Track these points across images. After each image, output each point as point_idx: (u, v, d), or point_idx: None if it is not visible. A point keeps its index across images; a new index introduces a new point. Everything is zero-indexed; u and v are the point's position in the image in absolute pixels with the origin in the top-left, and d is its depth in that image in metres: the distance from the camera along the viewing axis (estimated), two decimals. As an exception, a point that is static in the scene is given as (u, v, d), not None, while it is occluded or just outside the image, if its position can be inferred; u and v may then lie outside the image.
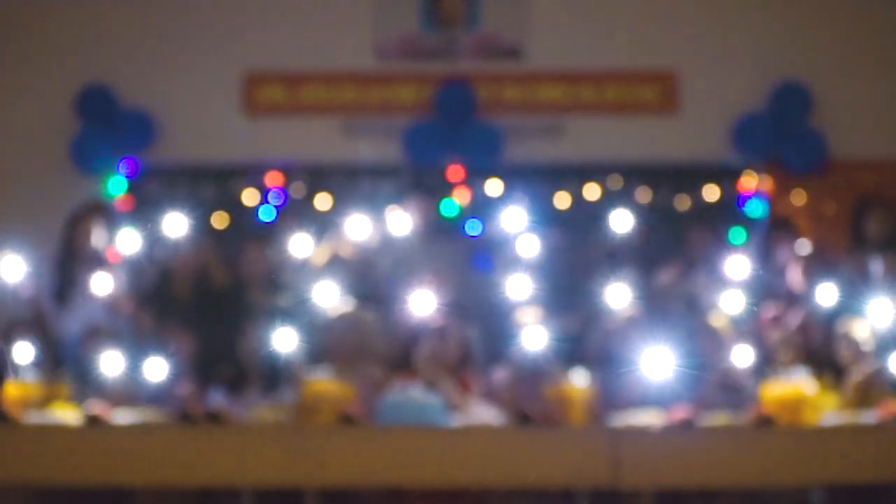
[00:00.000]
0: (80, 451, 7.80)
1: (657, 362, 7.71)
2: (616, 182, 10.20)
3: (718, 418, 8.00)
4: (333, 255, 8.96)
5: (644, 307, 8.49)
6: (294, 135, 10.32)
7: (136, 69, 10.28)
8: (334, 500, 8.04)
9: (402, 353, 8.53)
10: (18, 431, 7.90)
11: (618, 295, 8.30)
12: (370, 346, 8.52)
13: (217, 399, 8.30)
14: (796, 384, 8.02)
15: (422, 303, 8.14)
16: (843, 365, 8.30)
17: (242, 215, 10.16)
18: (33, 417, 8.03)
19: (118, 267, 8.80)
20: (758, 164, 10.13)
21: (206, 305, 8.86)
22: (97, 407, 8.00)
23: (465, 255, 9.66)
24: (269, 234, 9.31)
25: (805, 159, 10.12)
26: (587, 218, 9.77)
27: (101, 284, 8.57)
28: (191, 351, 8.47)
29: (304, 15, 10.33)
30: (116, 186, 10.12)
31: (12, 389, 7.89)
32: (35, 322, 8.60)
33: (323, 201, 10.13)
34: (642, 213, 9.33)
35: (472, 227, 9.98)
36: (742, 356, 8.14)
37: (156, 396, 8.18)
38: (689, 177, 10.20)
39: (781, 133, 10.08)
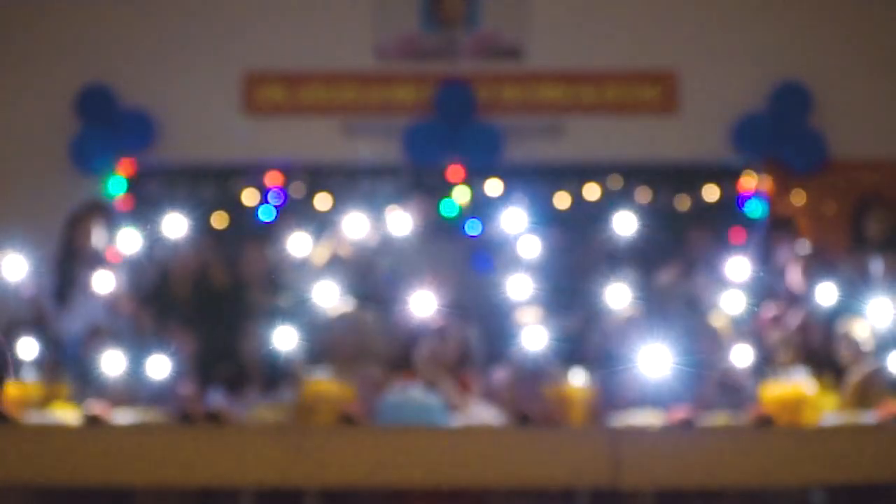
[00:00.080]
0: (80, 451, 7.80)
1: (656, 361, 7.71)
2: (616, 182, 10.19)
3: (718, 418, 8.00)
4: (333, 255, 8.96)
5: (644, 307, 8.49)
6: (294, 135, 10.32)
7: (136, 69, 10.28)
8: (334, 500, 8.04)
9: (402, 353, 8.53)
10: (18, 431, 7.90)
11: (618, 295, 8.29)
12: (370, 346, 8.53)
13: (217, 399, 8.30)
14: (796, 384, 8.03)
15: (422, 303, 8.13)
16: (843, 365, 8.30)
17: (242, 215, 10.15)
18: (33, 417, 8.03)
19: (118, 267, 8.79)
20: (758, 164, 10.13)
21: (206, 305, 8.87)
22: (97, 407, 8.00)
23: (465, 255, 9.66)
24: (269, 234, 9.31)
25: (805, 159, 10.12)
26: (587, 218, 9.77)
27: (102, 284, 8.57)
28: (191, 351, 8.47)
29: (304, 15, 10.33)
30: (116, 186, 10.12)
31: (12, 389, 7.88)
32: (36, 321, 8.60)
33: (323, 201, 10.13)
34: (642, 213, 9.32)
35: (472, 227, 9.98)
36: (741, 356, 8.15)
37: (156, 396, 8.18)
38: (689, 177, 10.20)
39: (781, 133, 10.08)
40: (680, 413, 7.89)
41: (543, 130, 10.25)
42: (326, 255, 8.96)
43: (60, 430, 7.92)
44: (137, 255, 8.62)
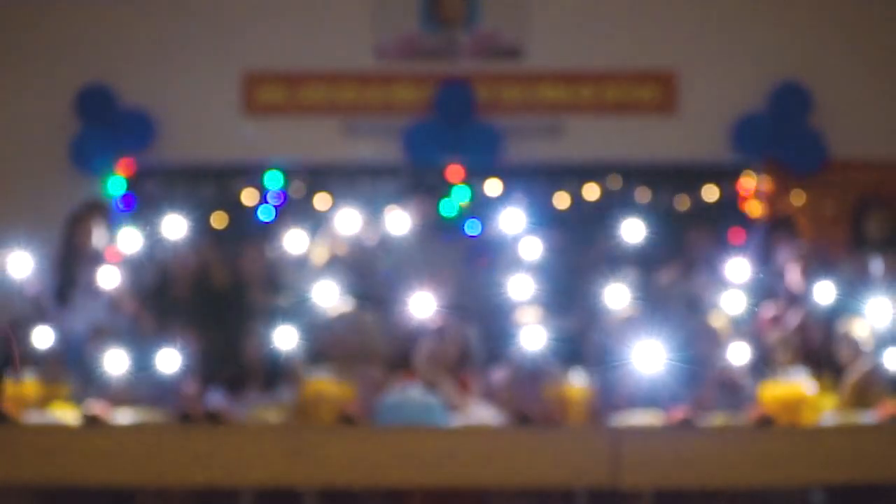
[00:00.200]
0: (80, 451, 7.80)
1: (655, 361, 7.70)
2: (616, 182, 10.20)
3: (718, 418, 8.00)
4: (333, 255, 8.95)
5: (644, 307, 8.49)
6: (294, 135, 10.32)
7: (135, 69, 10.28)
8: (334, 500, 8.05)
9: (401, 353, 8.53)
10: (18, 431, 7.90)
11: (617, 295, 8.29)
12: (370, 346, 8.53)
13: (217, 399, 8.30)
14: (796, 384, 8.03)
15: (421, 303, 8.13)
16: (843, 365, 8.30)
17: (242, 215, 10.15)
18: (33, 417, 8.03)
19: (119, 266, 8.79)
20: (757, 164, 10.13)
21: (206, 305, 8.87)
22: (97, 407, 8.00)
23: (464, 255, 9.66)
24: (269, 234, 9.31)
25: (805, 159, 10.12)
26: (587, 218, 9.78)
27: (105, 281, 8.57)
28: (195, 349, 8.47)
29: (304, 15, 10.33)
30: (116, 186, 10.12)
31: (12, 389, 7.89)
32: (37, 320, 8.59)
33: (323, 201, 10.13)
34: (642, 213, 9.31)
35: (472, 227, 9.98)
36: (739, 354, 8.14)
37: (157, 396, 8.18)
38: (688, 177, 10.20)
39: (781, 133, 10.08)
40: (679, 413, 7.90)
41: (543, 130, 10.26)
42: (326, 255, 8.96)
43: (60, 430, 7.92)
44: (137, 255, 8.62)
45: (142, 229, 8.55)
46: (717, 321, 8.42)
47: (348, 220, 8.77)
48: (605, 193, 10.15)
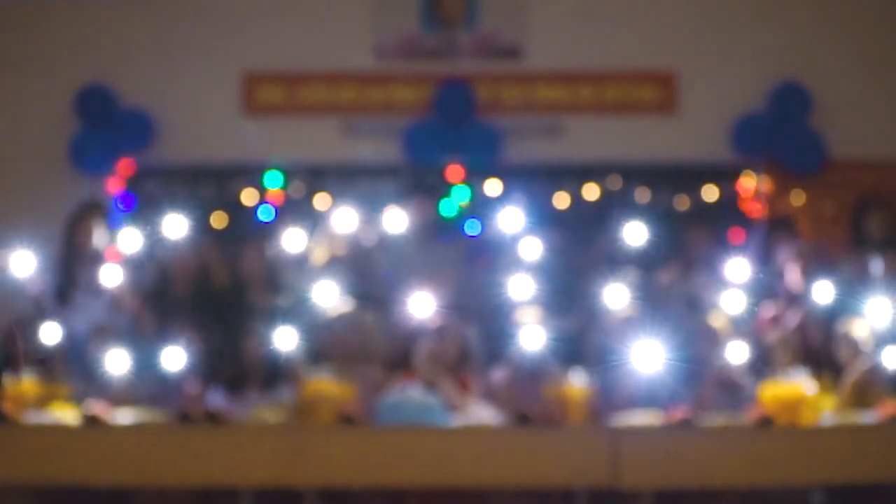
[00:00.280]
0: (80, 451, 7.80)
1: (655, 361, 7.71)
2: (615, 182, 10.20)
3: (718, 418, 8.00)
4: (332, 255, 8.96)
5: (644, 307, 8.49)
6: (294, 135, 10.32)
7: (135, 69, 10.28)
8: (334, 501, 8.04)
9: (401, 353, 8.53)
10: (18, 431, 7.90)
11: (617, 295, 8.30)
12: (370, 346, 8.53)
13: (217, 399, 8.30)
14: (795, 384, 8.03)
15: (421, 303, 8.14)
16: (843, 365, 8.30)
17: (242, 215, 10.15)
18: (33, 417, 8.03)
19: (119, 266, 8.79)
20: (757, 164, 10.13)
21: (206, 305, 8.87)
22: (96, 407, 8.00)
23: (464, 255, 9.66)
24: (269, 234, 9.31)
25: (804, 159, 10.12)
26: (586, 218, 9.78)
27: (107, 279, 8.57)
28: (193, 350, 8.48)
29: (304, 15, 10.33)
30: (116, 186, 10.12)
31: (12, 389, 7.88)
32: (39, 319, 8.59)
33: (322, 201, 10.13)
34: (642, 213, 9.32)
35: (472, 228, 9.98)
36: (738, 354, 8.15)
37: (157, 396, 8.18)
38: (688, 177, 10.20)
39: (781, 133, 10.08)
40: (679, 413, 7.90)
41: (543, 130, 10.26)
42: (326, 255, 8.96)
43: (60, 430, 7.92)
44: (138, 255, 8.62)
45: (142, 229, 8.55)
46: (716, 321, 8.43)
47: (345, 220, 8.78)
48: (605, 193, 10.15)
